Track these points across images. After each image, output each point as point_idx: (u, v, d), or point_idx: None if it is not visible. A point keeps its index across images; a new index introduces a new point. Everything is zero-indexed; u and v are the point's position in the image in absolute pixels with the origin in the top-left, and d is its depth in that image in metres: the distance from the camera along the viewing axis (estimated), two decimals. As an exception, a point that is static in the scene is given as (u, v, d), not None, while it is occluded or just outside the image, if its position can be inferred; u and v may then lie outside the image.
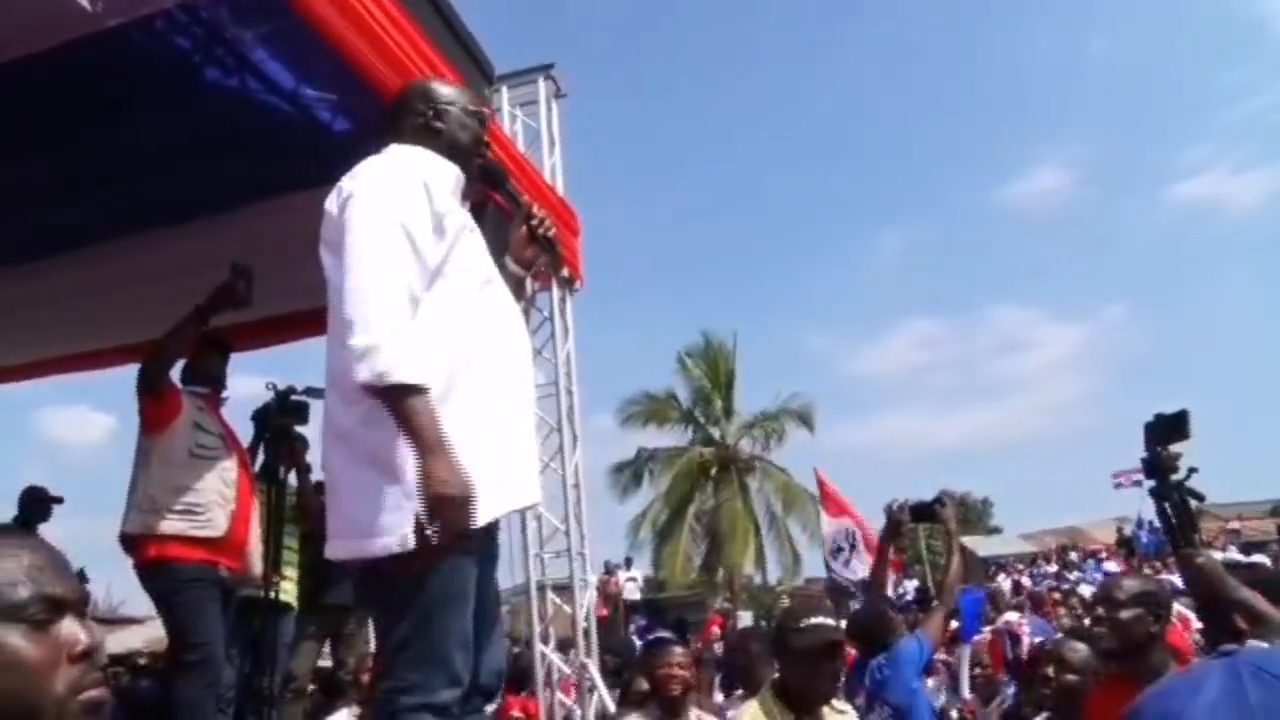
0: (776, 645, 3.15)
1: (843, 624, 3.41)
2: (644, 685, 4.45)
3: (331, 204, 2.23)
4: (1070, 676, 3.35)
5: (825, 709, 3.01)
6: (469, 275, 2.27)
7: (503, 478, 2.19)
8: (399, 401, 2.01)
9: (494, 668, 2.43)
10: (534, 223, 2.57)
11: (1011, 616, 8.16)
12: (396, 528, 2.05)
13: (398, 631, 2.14)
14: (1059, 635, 5.10)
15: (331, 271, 2.18)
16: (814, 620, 2.98)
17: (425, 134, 2.43)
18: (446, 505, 1.97)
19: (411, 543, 2.03)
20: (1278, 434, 45.44)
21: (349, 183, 2.23)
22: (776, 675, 3.11)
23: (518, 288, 2.54)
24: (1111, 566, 18.19)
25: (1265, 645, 2.38)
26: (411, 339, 2.05)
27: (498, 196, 2.79)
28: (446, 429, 2.03)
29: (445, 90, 2.54)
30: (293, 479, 4.97)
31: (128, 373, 4.23)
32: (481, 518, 2.07)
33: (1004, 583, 18.85)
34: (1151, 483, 3.32)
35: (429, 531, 1.98)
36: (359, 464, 2.15)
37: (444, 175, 2.36)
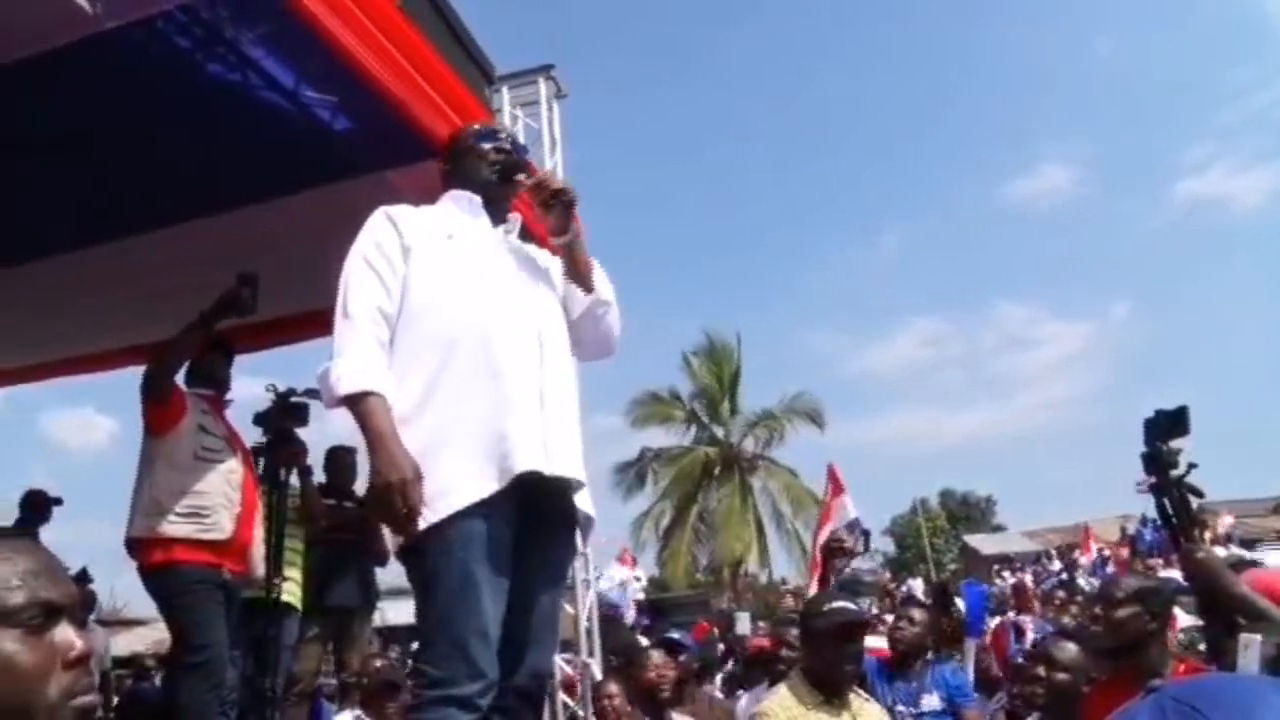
0: (802, 632, 3.37)
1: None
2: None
3: None
4: (1060, 675, 3.36)
5: (851, 695, 3.19)
6: (441, 272, 2.42)
7: (480, 462, 2.22)
8: (351, 409, 2.24)
9: (533, 669, 2.40)
10: (533, 196, 2.61)
11: (1022, 617, 8.15)
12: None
13: (422, 626, 2.27)
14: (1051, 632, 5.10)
15: None
16: (835, 604, 3.22)
17: (449, 180, 2.72)
18: (381, 493, 2.13)
19: (403, 541, 2.24)
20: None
21: None
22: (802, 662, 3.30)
23: (571, 259, 2.59)
24: (1084, 561, 18.13)
25: (1256, 637, 2.39)
26: (360, 353, 2.28)
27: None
28: (411, 438, 2.21)
29: (458, 135, 2.86)
30: (295, 481, 4.96)
31: (132, 375, 4.25)
32: (461, 501, 2.18)
33: (1007, 581, 18.81)
34: (1151, 478, 3.33)
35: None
36: None
37: (451, 205, 2.63)
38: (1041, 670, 3.46)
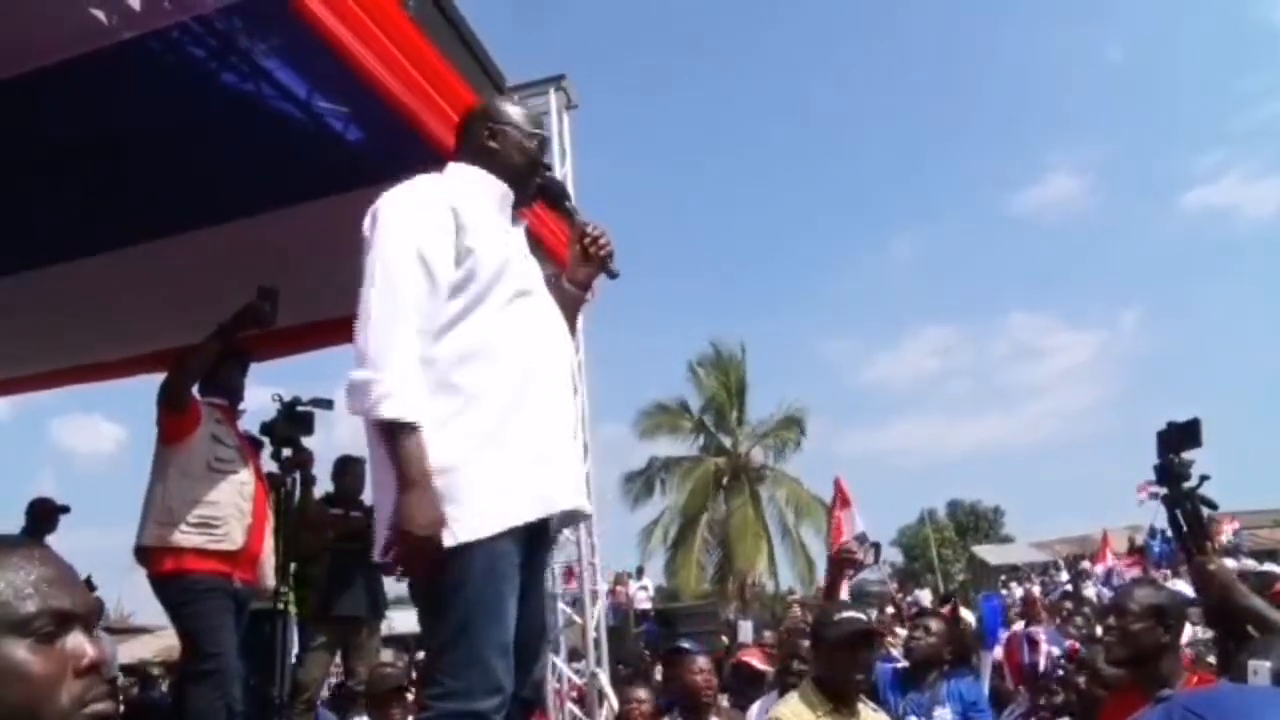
0: (813, 640, 3.45)
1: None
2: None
3: (365, 225, 2.26)
4: (1100, 690, 3.40)
5: (860, 704, 3.26)
6: (497, 288, 2.24)
7: (529, 484, 2.17)
8: (387, 434, 2.07)
9: (535, 679, 2.40)
10: (587, 241, 2.54)
11: (1034, 628, 8.10)
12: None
13: (436, 637, 2.16)
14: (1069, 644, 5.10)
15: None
16: (846, 614, 3.31)
17: (482, 154, 2.44)
18: (406, 541, 2.02)
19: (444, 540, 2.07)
20: (1289, 442, 45.05)
21: (379, 203, 2.26)
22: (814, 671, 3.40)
23: (574, 305, 2.55)
24: (1099, 569, 18.07)
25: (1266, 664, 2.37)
26: (409, 374, 2.07)
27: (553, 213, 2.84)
28: (461, 443, 2.09)
29: (506, 110, 2.53)
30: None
31: (140, 383, 4.27)
32: (508, 521, 2.11)
33: (1015, 592, 18.72)
34: (1164, 490, 3.33)
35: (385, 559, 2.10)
36: (386, 467, 2.15)
37: (484, 192, 2.38)
38: (1082, 680, 3.52)
